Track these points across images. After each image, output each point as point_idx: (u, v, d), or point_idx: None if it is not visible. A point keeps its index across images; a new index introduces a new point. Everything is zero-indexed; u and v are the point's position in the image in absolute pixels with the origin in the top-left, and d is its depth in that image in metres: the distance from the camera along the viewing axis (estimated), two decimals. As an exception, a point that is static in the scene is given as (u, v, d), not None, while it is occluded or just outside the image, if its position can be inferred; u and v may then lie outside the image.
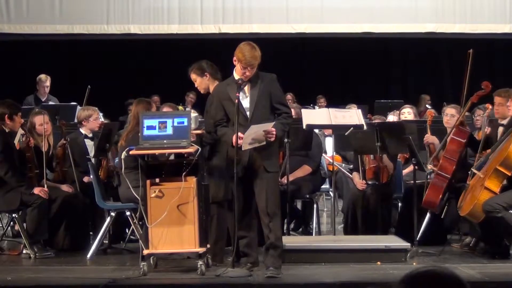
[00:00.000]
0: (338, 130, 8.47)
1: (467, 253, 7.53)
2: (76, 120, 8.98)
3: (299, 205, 9.15)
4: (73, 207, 7.83)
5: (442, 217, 7.60)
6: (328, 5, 15.33)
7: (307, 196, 8.51)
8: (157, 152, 6.55)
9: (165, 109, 8.35)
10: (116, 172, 7.77)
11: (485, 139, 7.40)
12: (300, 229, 8.95)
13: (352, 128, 7.87)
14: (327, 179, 8.90)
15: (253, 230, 6.55)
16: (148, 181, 6.43)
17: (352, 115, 7.94)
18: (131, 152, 6.44)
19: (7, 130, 7.69)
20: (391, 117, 9.92)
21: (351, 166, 9.04)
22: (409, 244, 7.18)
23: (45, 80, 12.04)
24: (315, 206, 8.52)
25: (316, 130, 8.74)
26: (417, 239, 7.45)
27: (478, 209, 6.93)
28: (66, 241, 7.82)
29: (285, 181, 7.78)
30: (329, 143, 9.56)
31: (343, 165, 9.62)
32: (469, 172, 7.28)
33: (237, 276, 6.25)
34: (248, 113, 6.35)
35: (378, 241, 7.31)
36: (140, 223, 6.94)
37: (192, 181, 6.43)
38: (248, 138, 6.23)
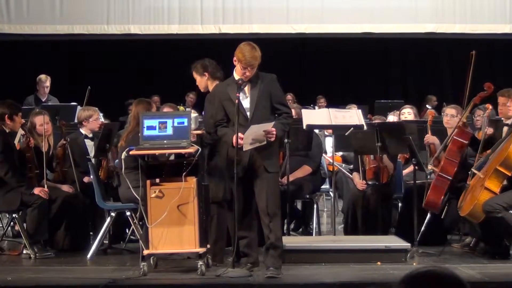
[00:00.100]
0: (338, 130, 8.48)
1: (467, 253, 7.53)
2: (76, 120, 8.99)
3: (299, 205, 9.15)
4: (73, 207, 7.83)
5: (442, 217, 7.60)
6: (328, 5, 15.34)
7: (307, 196, 8.51)
8: (157, 152, 6.55)
9: (166, 109, 8.34)
10: (116, 172, 7.77)
11: (488, 139, 7.39)
12: (300, 229, 8.95)
13: (352, 129, 7.87)
14: (327, 179, 8.90)
15: (253, 230, 6.55)
16: (148, 181, 6.43)
17: (352, 115, 7.94)
18: (131, 152, 6.44)
19: (7, 130, 7.69)
20: (391, 117, 9.92)
21: (351, 166, 9.04)
22: (409, 244, 7.18)
23: (45, 80, 12.04)
24: (315, 206, 8.52)
25: (316, 130, 8.74)
26: (417, 239, 7.45)
27: (478, 209, 6.93)
28: (66, 241, 7.82)
29: (285, 181, 7.78)
30: (329, 143, 9.57)
31: (343, 165, 9.63)
32: (469, 172, 7.28)
33: (237, 276, 6.25)
34: (248, 113, 6.35)
35: (378, 241, 7.31)
36: (140, 223, 6.94)
37: (192, 181, 6.43)
38: (248, 138, 6.23)
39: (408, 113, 9.27)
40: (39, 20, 15.11)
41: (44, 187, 7.58)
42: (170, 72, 15.00)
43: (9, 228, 8.22)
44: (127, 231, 8.13)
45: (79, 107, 10.17)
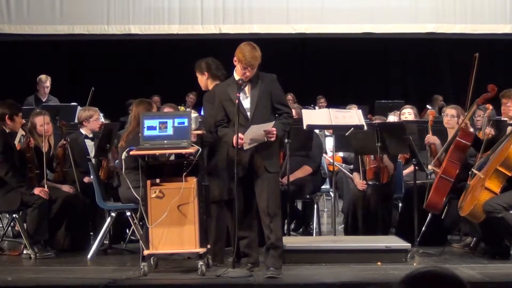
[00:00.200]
0: (338, 131, 8.48)
1: (468, 253, 7.53)
2: (77, 120, 8.99)
3: (299, 205, 9.16)
4: (74, 208, 7.83)
5: (442, 217, 7.60)
6: (328, 5, 15.33)
7: (308, 196, 8.51)
8: (157, 152, 6.56)
9: (166, 109, 8.34)
10: (116, 172, 7.76)
11: (491, 140, 7.37)
12: (301, 230, 8.95)
13: (352, 129, 7.87)
14: (327, 180, 8.90)
15: (253, 231, 6.55)
16: (148, 182, 6.43)
17: (353, 116, 7.94)
18: (131, 153, 6.44)
19: (7, 131, 7.70)
20: (392, 118, 9.92)
21: (351, 166, 9.04)
22: (409, 244, 7.18)
23: (45, 81, 12.04)
24: (315, 206, 8.52)
25: (317, 131, 8.74)
26: (418, 239, 7.45)
27: (478, 209, 6.93)
28: (67, 242, 7.82)
29: (286, 181, 7.79)
30: (329, 143, 9.57)
31: (344, 165, 9.63)
32: (469, 173, 7.27)
33: (237, 277, 6.25)
34: (248, 113, 6.35)
35: (379, 242, 7.31)
36: (141, 223, 6.94)
37: (193, 181, 6.43)
38: (248, 138, 6.23)
39: (408, 113, 9.27)
40: (40, 20, 15.10)
41: (44, 187, 7.58)
42: (171, 72, 15.00)
43: (9, 228, 8.22)
44: (127, 231, 8.13)
45: (79, 107, 10.17)
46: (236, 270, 6.33)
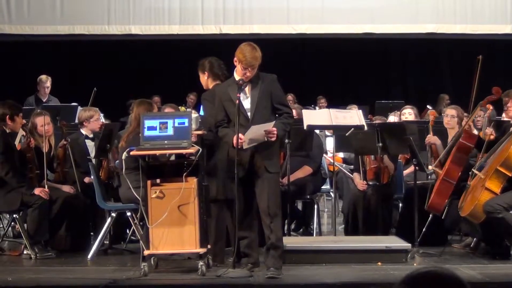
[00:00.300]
0: (338, 131, 8.48)
1: (468, 253, 7.54)
2: (77, 120, 8.99)
3: (299, 205, 9.16)
4: (74, 208, 7.83)
5: (442, 217, 7.60)
6: (329, 5, 15.33)
7: (308, 196, 8.52)
8: (158, 152, 6.56)
9: (167, 109, 8.35)
10: (116, 173, 7.77)
11: (493, 142, 7.36)
12: (301, 230, 8.95)
13: (352, 129, 7.87)
14: (327, 180, 8.90)
15: (253, 231, 6.55)
16: (148, 182, 6.43)
17: (353, 116, 7.95)
18: (132, 153, 6.44)
19: (8, 131, 7.70)
20: (392, 118, 9.92)
21: (352, 166, 9.04)
22: (409, 244, 7.18)
23: (46, 81, 12.04)
24: (315, 206, 8.53)
25: (317, 131, 8.74)
26: (418, 239, 7.45)
27: (478, 209, 6.93)
28: (67, 242, 7.82)
29: (286, 181, 7.79)
30: (330, 143, 9.57)
31: (344, 165, 9.63)
32: (470, 173, 7.27)
33: (237, 277, 6.26)
34: (249, 113, 6.35)
35: (379, 242, 7.31)
36: (141, 223, 6.94)
37: (193, 181, 6.43)
38: (248, 138, 6.23)
39: (408, 114, 9.27)
40: (40, 21, 15.10)
41: (44, 187, 7.58)
42: (171, 73, 15.00)
43: (10, 228, 8.22)
44: (127, 231, 8.13)
45: (79, 108, 10.17)
46: (236, 270, 6.34)
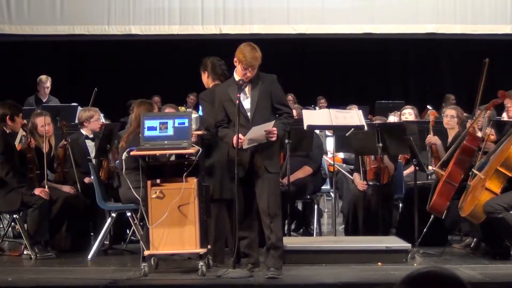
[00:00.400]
0: (339, 131, 8.48)
1: (468, 253, 7.53)
2: (77, 121, 8.99)
3: (299, 206, 9.16)
4: (74, 208, 7.83)
5: (442, 218, 7.60)
6: (329, 5, 15.33)
7: (308, 197, 8.52)
8: (158, 152, 6.56)
9: (167, 110, 8.35)
10: (116, 173, 7.77)
11: (496, 141, 7.35)
12: (301, 230, 8.95)
13: (353, 129, 7.87)
14: (327, 180, 8.90)
15: (253, 231, 6.55)
16: (149, 182, 6.43)
17: (353, 116, 7.95)
18: (132, 153, 6.44)
19: (8, 131, 7.70)
20: (392, 118, 9.93)
21: (352, 166, 9.04)
22: (410, 245, 7.18)
23: (46, 81, 12.04)
24: (315, 207, 8.53)
25: (317, 131, 8.74)
26: (418, 240, 7.45)
27: (479, 209, 6.93)
28: (67, 242, 7.82)
29: (286, 181, 7.79)
30: (330, 143, 9.57)
31: (344, 165, 9.63)
32: (470, 173, 7.27)
33: (237, 277, 6.25)
34: (249, 114, 6.35)
35: (379, 242, 7.31)
36: (141, 223, 6.94)
37: (193, 181, 6.43)
38: (248, 138, 6.23)
39: (408, 114, 9.28)
40: (40, 21, 15.10)
41: (44, 187, 7.58)
42: (171, 73, 15.00)
43: (10, 228, 8.22)
44: (127, 231, 8.13)
45: (79, 108, 10.17)
46: (236, 271, 6.34)
